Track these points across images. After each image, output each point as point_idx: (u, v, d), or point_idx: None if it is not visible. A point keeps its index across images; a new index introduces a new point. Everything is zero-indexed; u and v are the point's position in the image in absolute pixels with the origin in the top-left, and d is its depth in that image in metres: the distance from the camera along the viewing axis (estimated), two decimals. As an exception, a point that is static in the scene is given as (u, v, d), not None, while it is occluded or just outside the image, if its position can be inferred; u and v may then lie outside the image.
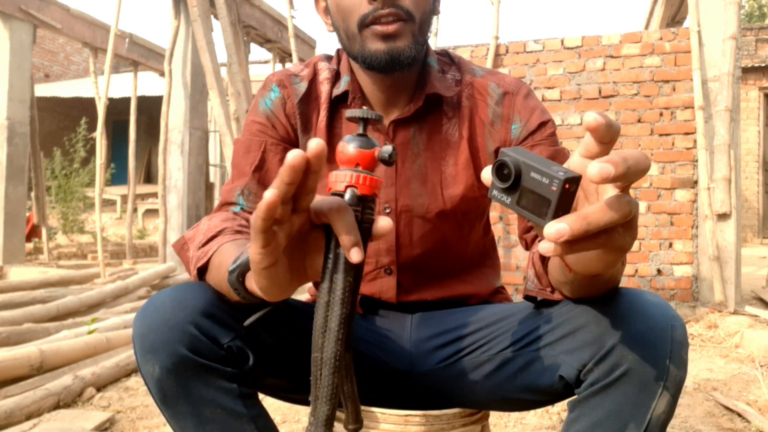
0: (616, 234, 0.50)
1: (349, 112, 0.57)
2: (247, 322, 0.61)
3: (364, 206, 0.54)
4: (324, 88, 0.95)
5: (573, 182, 0.48)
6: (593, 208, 0.47)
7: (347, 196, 0.54)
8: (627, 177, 0.46)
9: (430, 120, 0.94)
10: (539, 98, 3.68)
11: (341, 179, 0.54)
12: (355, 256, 0.51)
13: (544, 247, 0.49)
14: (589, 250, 0.50)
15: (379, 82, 0.92)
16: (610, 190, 0.50)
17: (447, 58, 1.00)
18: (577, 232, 0.46)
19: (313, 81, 0.97)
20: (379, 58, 0.84)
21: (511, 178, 0.50)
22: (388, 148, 0.55)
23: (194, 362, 0.70)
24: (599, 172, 0.44)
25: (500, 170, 0.52)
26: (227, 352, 0.72)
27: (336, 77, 0.96)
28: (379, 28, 0.83)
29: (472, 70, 0.98)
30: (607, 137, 0.49)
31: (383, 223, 0.54)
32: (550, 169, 0.48)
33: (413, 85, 0.94)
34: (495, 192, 0.53)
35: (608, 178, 0.45)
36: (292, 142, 0.95)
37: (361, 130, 0.56)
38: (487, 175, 0.54)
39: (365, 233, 0.54)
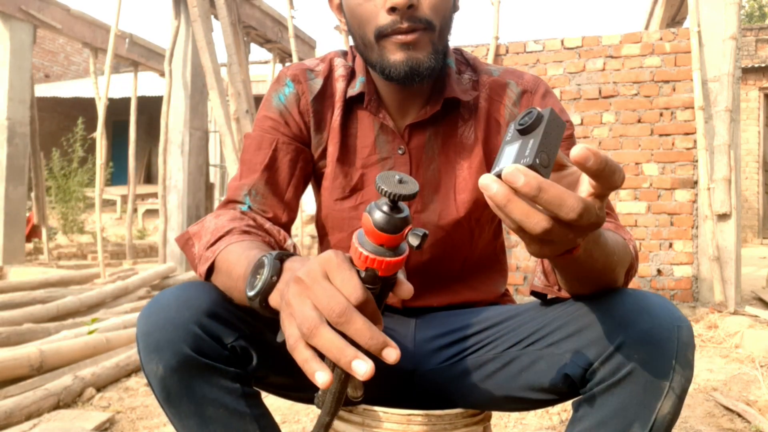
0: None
1: (379, 181, 0.51)
2: (279, 340, 0.60)
3: (384, 284, 0.53)
4: (339, 86, 0.93)
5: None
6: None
7: (364, 275, 0.52)
8: (602, 174, 0.48)
9: (446, 123, 0.92)
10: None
11: (360, 260, 0.51)
12: (388, 357, 0.49)
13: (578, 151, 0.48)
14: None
15: (394, 84, 0.89)
16: (584, 193, 0.52)
17: (461, 57, 0.97)
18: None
19: (329, 78, 0.94)
20: (398, 69, 0.81)
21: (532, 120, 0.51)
22: (418, 232, 0.50)
23: (198, 362, 0.70)
24: (581, 154, 0.47)
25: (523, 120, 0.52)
26: (231, 352, 0.72)
27: (351, 75, 0.94)
28: (398, 37, 0.80)
29: (488, 70, 0.96)
30: (599, 173, 0.49)
31: (405, 290, 0.53)
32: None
33: (430, 87, 0.91)
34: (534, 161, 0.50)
35: (586, 162, 0.47)
36: (304, 140, 0.93)
37: (387, 207, 0.51)
38: (485, 180, 0.50)
39: (381, 302, 0.54)
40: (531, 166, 0.48)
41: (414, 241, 0.50)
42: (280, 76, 0.95)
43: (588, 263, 0.63)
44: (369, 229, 0.51)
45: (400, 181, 0.51)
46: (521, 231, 0.51)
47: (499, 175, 0.49)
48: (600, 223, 0.51)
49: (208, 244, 0.75)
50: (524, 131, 0.51)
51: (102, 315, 3.29)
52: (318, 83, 0.93)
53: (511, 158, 0.51)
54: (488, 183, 0.49)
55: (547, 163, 0.49)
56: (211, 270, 0.75)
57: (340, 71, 0.94)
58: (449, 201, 0.91)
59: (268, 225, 0.86)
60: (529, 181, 0.46)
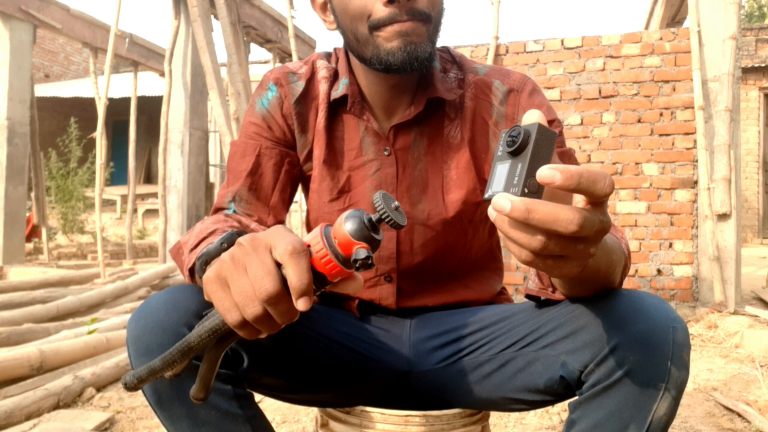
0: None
1: (377, 196, 0.54)
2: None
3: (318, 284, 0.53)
4: (322, 88, 0.93)
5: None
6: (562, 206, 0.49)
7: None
8: (580, 188, 0.47)
9: (431, 123, 0.92)
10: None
11: (313, 244, 0.53)
12: (301, 305, 0.51)
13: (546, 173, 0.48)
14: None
15: (382, 83, 0.89)
16: (580, 203, 0.51)
17: (448, 55, 0.97)
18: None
19: (311, 80, 0.94)
20: (396, 56, 0.80)
21: (519, 140, 0.50)
22: (361, 253, 0.51)
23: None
24: (546, 175, 0.46)
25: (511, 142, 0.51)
26: None
27: (334, 77, 0.94)
28: (396, 26, 0.79)
29: (474, 69, 0.95)
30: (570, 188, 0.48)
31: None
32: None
33: (414, 86, 0.91)
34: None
35: (552, 184, 0.46)
36: (289, 143, 0.94)
37: (369, 221, 0.53)
38: (490, 210, 0.51)
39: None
40: (522, 196, 0.48)
41: (357, 257, 0.51)
42: (263, 80, 0.96)
43: (592, 268, 0.63)
44: (336, 228, 0.52)
45: (396, 209, 0.53)
46: (531, 254, 0.50)
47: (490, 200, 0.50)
48: (607, 228, 0.50)
49: (191, 247, 0.75)
50: (513, 152, 0.50)
51: (102, 315, 3.29)
52: (300, 86, 0.93)
53: (501, 182, 0.51)
54: (490, 211, 0.50)
55: (536, 189, 0.49)
56: (194, 271, 0.75)
57: (322, 73, 0.94)
58: (437, 201, 0.91)
59: (253, 225, 0.85)
60: (516, 206, 0.47)
